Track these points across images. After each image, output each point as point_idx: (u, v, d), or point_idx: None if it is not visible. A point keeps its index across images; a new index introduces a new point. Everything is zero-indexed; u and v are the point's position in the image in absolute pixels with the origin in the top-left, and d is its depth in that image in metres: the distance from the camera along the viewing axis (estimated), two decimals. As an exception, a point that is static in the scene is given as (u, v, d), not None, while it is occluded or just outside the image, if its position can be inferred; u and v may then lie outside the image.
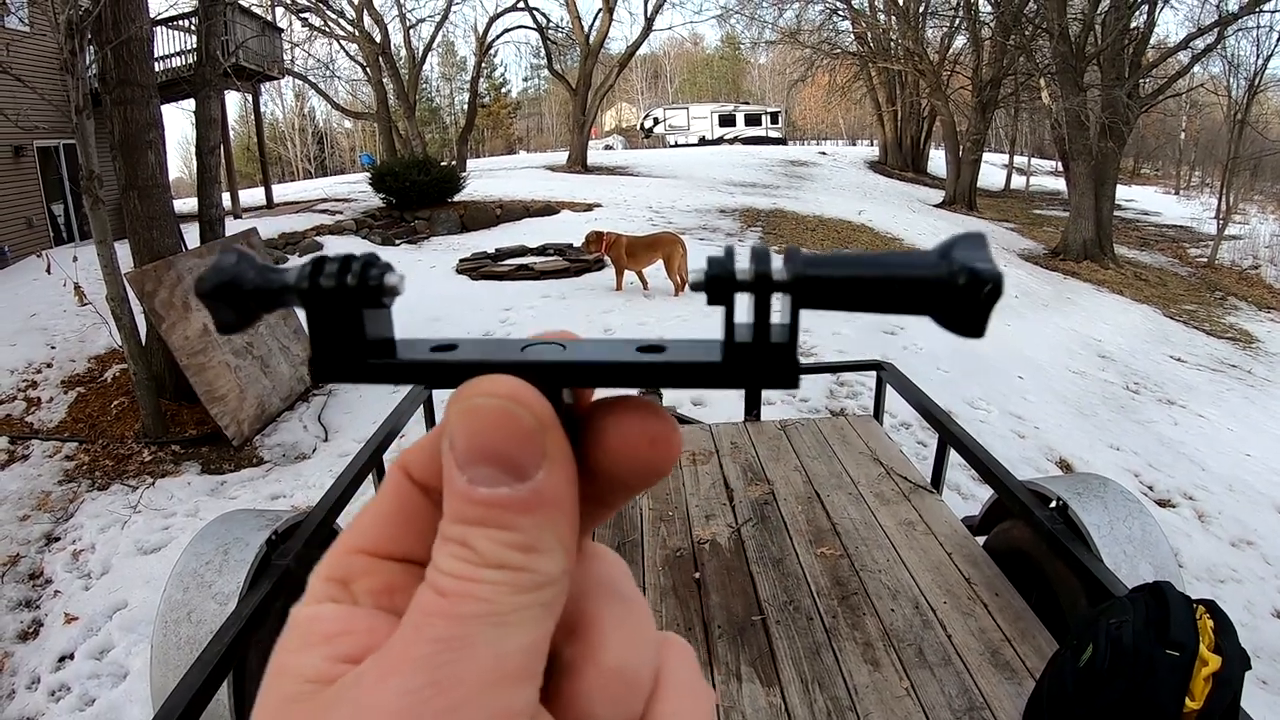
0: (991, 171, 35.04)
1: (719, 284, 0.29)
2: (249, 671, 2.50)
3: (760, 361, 0.30)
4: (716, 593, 2.80)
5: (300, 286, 0.31)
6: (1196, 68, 21.17)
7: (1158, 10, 18.65)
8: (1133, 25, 18.29)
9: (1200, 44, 18.89)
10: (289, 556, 2.59)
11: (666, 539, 3.16)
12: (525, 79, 71.65)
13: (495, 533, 0.26)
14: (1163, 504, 6.78)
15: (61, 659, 4.71)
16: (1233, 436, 8.94)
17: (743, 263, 0.29)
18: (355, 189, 19.96)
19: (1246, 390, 10.96)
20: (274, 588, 2.42)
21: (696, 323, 9.83)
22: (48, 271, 7.64)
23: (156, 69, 9.94)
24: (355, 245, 14.69)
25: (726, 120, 48.18)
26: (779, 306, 0.30)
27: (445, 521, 0.27)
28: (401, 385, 0.34)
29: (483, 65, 29.62)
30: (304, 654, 0.27)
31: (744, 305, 0.30)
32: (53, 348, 8.71)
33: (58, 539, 5.94)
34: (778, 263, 0.29)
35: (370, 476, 3.35)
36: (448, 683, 0.25)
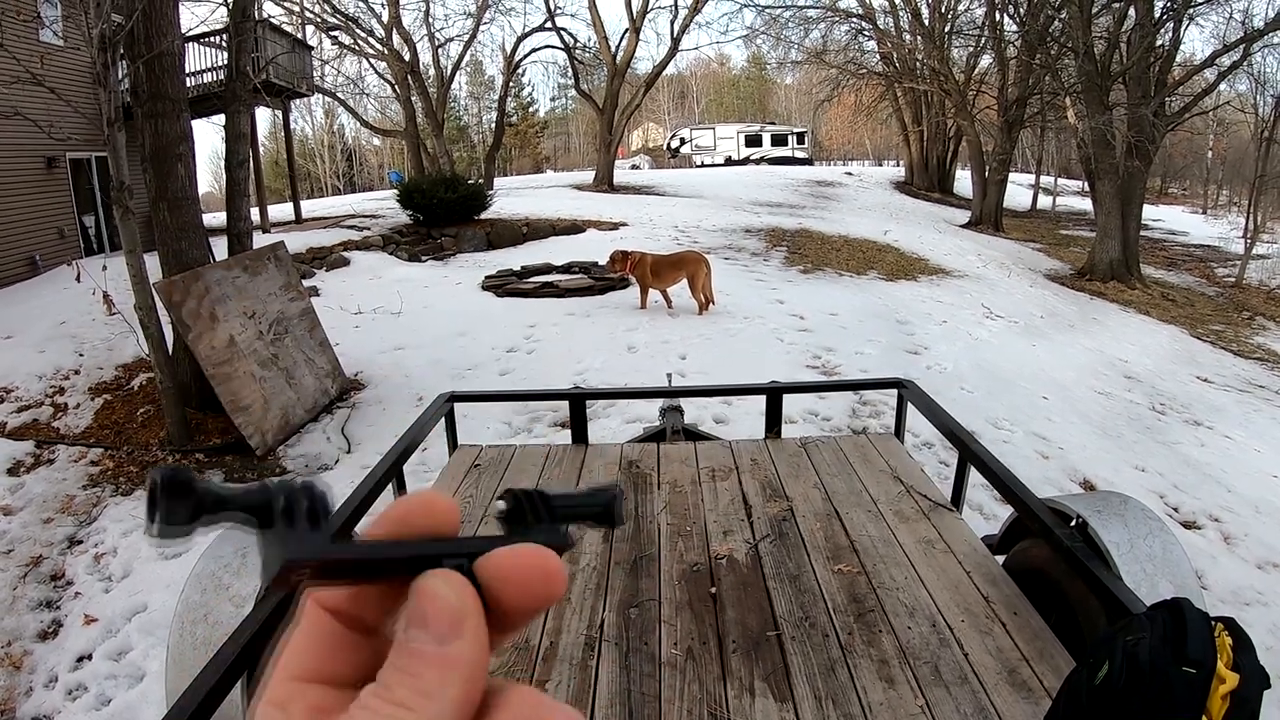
0: (1018, 192, 34.84)
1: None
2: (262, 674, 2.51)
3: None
4: (733, 608, 2.78)
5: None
6: (1223, 85, 20.98)
7: (1183, 28, 18.55)
8: (1158, 43, 18.20)
9: (1226, 61, 18.73)
10: (306, 562, 2.60)
11: (684, 553, 3.15)
12: (553, 98, 72.05)
13: (406, 678, 0.32)
14: (1188, 526, 6.68)
15: (80, 659, 4.76)
16: (1260, 458, 8.81)
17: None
18: (383, 205, 20.15)
19: (1275, 411, 10.79)
20: (290, 592, 2.43)
21: (719, 341, 9.84)
22: (78, 280, 7.76)
23: (187, 84, 10.09)
24: (382, 261, 14.81)
25: (753, 140, 48.01)
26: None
27: (384, 667, 0.33)
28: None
29: (510, 84, 29.92)
30: None
31: None
32: (81, 355, 8.83)
33: (80, 542, 6.00)
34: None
35: (390, 486, 3.36)
36: None
